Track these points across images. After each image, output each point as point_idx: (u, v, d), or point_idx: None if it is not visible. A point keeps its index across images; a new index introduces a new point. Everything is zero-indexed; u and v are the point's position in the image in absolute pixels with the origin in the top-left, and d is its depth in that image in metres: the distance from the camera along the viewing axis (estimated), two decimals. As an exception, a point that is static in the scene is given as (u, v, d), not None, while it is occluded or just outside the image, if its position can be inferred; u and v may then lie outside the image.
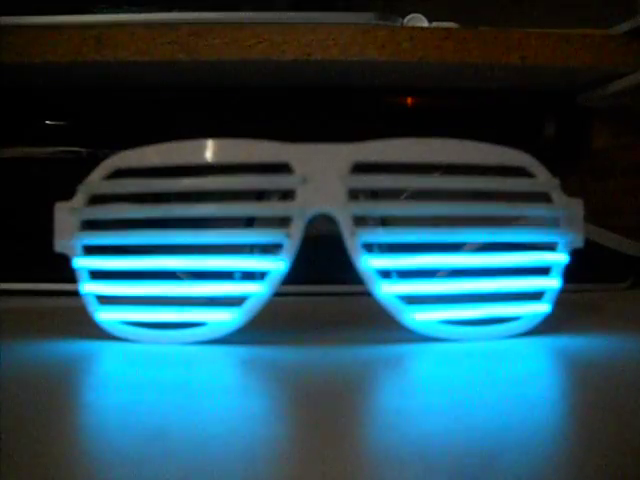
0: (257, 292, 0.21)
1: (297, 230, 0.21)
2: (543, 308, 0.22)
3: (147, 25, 0.30)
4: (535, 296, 0.22)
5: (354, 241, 0.21)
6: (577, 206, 0.22)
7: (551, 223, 0.22)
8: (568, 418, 0.15)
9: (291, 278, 0.21)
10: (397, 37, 0.30)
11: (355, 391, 0.17)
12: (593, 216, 0.25)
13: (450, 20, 0.32)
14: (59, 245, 0.22)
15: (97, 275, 0.22)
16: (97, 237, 0.22)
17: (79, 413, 0.16)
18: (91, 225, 0.22)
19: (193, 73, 0.33)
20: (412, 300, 0.22)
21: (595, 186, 0.39)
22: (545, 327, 0.22)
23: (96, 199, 0.22)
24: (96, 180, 0.22)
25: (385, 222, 0.22)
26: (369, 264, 0.21)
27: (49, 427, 0.14)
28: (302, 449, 0.13)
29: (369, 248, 0.21)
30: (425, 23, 0.32)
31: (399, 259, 0.22)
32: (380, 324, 0.22)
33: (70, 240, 0.22)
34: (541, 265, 0.22)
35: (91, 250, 0.22)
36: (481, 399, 0.16)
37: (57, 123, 0.36)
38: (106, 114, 0.36)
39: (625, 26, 0.31)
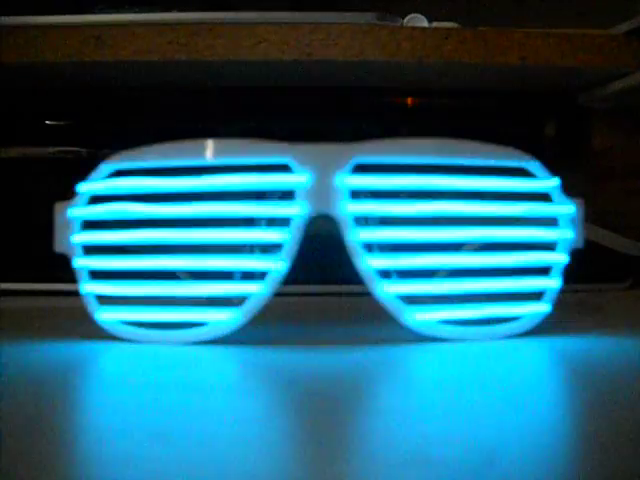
0: (257, 292, 0.21)
1: (297, 230, 0.21)
2: (543, 308, 0.22)
3: (147, 25, 0.30)
4: (535, 296, 0.22)
5: (354, 241, 0.21)
6: (577, 206, 0.22)
7: (551, 223, 0.22)
8: (567, 418, 0.15)
9: (291, 278, 0.21)
10: (397, 37, 0.30)
11: (355, 391, 0.17)
12: (593, 216, 0.25)
13: (450, 20, 0.32)
14: (59, 245, 0.22)
15: (97, 275, 0.22)
16: (97, 237, 0.22)
17: (79, 413, 0.16)
18: (91, 225, 0.22)
19: (193, 73, 0.33)
20: (412, 300, 0.22)
21: (595, 186, 0.39)
22: (545, 327, 0.22)
23: (96, 199, 0.22)
24: (96, 180, 0.22)
25: (385, 222, 0.22)
26: (369, 264, 0.21)
27: (49, 427, 0.14)
28: (302, 449, 0.13)
29: (369, 248, 0.21)
30: (425, 23, 0.32)
31: (399, 259, 0.22)
32: (380, 324, 0.22)
33: (70, 240, 0.22)
34: (541, 265, 0.22)
35: (91, 250, 0.22)
36: (481, 399, 0.16)
37: (57, 123, 0.36)
38: (106, 114, 0.36)
39: (625, 26, 0.31)
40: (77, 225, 0.22)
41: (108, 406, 0.16)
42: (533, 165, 0.22)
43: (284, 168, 0.21)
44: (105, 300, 0.22)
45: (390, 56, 0.30)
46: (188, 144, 0.21)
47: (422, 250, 0.21)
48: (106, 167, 0.22)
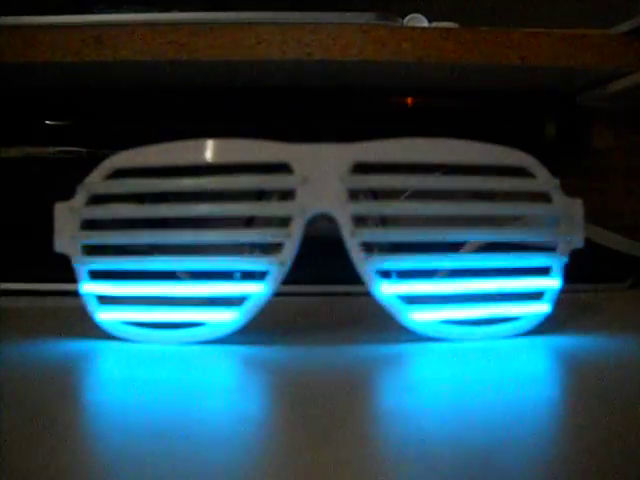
0: (257, 292, 0.21)
1: (297, 230, 0.21)
2: (543, 308, 0.22)
3: (147, 25, 0.30)
4: (535, 296, 0.22)
5: (354, 241, 0.21)
6: (577, 206, 0.22)
7: (551, 223, 0.22)
8: (567, 418, 0.15)
9: (291, 278, 0.21)
10: (397, 37, 0.30)
11: (355, 391, 0.17)
12: (593, 216, 0.25)
13: (450, 20, 0.32)
14: (59, 245, 0.22)
15: (97, 275, 0.22)
16: (97, 237, 0.22)
17: (79, 413, 0.16)
18: (91, 225, 0.22)
19: (193, 73, 0.33)
20: (412, 300, 0.22)
21: (595, 186, 0.39)
22: (545, 327, 0.22)
23: (96, 199, 0.22)
24: (96, 180, 0.22)
25: (385, 222, 0.22)
26: (369, 264, 0.21)
27: (49, 427, 0.14)
28: (302, 449, 0.13)
29: (369, 248, 0.21)
30: (425, 23, 0.32)
31: (399, 259, 0.22)
32: (380, 324, 0.22)
33: (70, 240, 0.22)
34: (541, 265, 0.22)
35: (91, 250, 0.22)
36: (481, 399, 0.16)
37: (57, 123, 0.36)
38: (106, 114, 0.36)
39: (625, 26, 0.31)
40: (77, 225, 0.22)
41: (108, 406, 0.16)
42: (533, 165, 0.22)
43: (284, 168, 0.21)
44: (105, 300, 0.22)
45: (390, 56, 0.30)
46: (188, 144, 0.21)
47: (422, 250, 0.21)
48: (106, 167, 0.22)
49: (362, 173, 0.21)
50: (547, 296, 0.22)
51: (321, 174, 0.21)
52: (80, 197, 0.22)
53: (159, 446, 0.13)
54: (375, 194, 0.22)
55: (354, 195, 0.21)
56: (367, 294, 0.22)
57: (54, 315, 0.27)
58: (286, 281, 0.21)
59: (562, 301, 0.23)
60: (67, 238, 0.22)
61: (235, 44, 0.30)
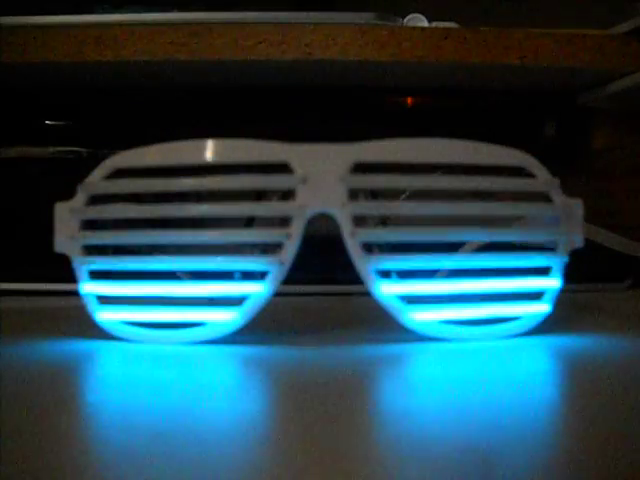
0: (257, 292, 0.21)
1: (297, 230, 0.21)
2: (543, 308, 0.22)
3: (147, 25, 0.30)
4: (535, 296, 0.22)
5: (354, 241, 0.21)
6: (577, 206, 0.22)
7: (551, 223, 0.22)
8: (567, 418, 0.15)
9: (291, 278, 0.21)
10: (397, 37, 0.30)
11: (355, 391, 0.17)
12: (593, 216, 0.25)
13: (450, 20, 0.32)
14: (59, 245, 0.22)
15: (97, 275, 0.22)
16: (97, 237, 0.22)
17: (79, 413, 0.16)
18: (91, 225, 0.22)
19: (193, 73, 0.33)
20: (412, 300, 0.22)
21: (595, 186, 0.39)
22: (545, 327, 0.22)
23: (96, 199, 0.22)
24: (96, 180, 0.22)
25: (385, 222, 0.22)
26: (369, 264, 0.21)
27: (49, 427, 0.14)
28: (302, 449, 0.13)
29: (369, 248, 0.21)
30: (425, 23, 0.32)
31: (399, 259, 0.22)
32: (380, 324, 0.22)
33: (70, 240, 0.22)
34: (541, 265, 0.22)
35: (91, 250, 0.22)
36: (481, 399, 0.16)
37: (57, 123, 0.36)
38: (106, 114, 0.36)
39: (625, 26, 0.31)
40: (77, 225, 0.22)
41: (108, 406, 0.16)
42: (533, 165, 0.22)
43: (284, 168, 0.21)
44: (105, 300, 0.22)
45: (390, 56, 0.30)
46: (188, 144, 0.21)
47: (422, 250, 0.21)
48: (106, 167, 0.22)
49: (362, 173, 0.21)
50: (547, 296, 0.22)
51: (321, 174, 0.21)
52: (80, 197, 0.22)
53: (159, 446, 0.13)
54: (375, 194, 0.22)
55: (354, 195, 0.21)
56: (367, 294, 0.22)
57: (54, 315, 0.27)
58: (286, 281, 0.21)
59: (562, 301, 0.23)
60: (67, 238, 0.22)
61: (235, 44, 0.30)
